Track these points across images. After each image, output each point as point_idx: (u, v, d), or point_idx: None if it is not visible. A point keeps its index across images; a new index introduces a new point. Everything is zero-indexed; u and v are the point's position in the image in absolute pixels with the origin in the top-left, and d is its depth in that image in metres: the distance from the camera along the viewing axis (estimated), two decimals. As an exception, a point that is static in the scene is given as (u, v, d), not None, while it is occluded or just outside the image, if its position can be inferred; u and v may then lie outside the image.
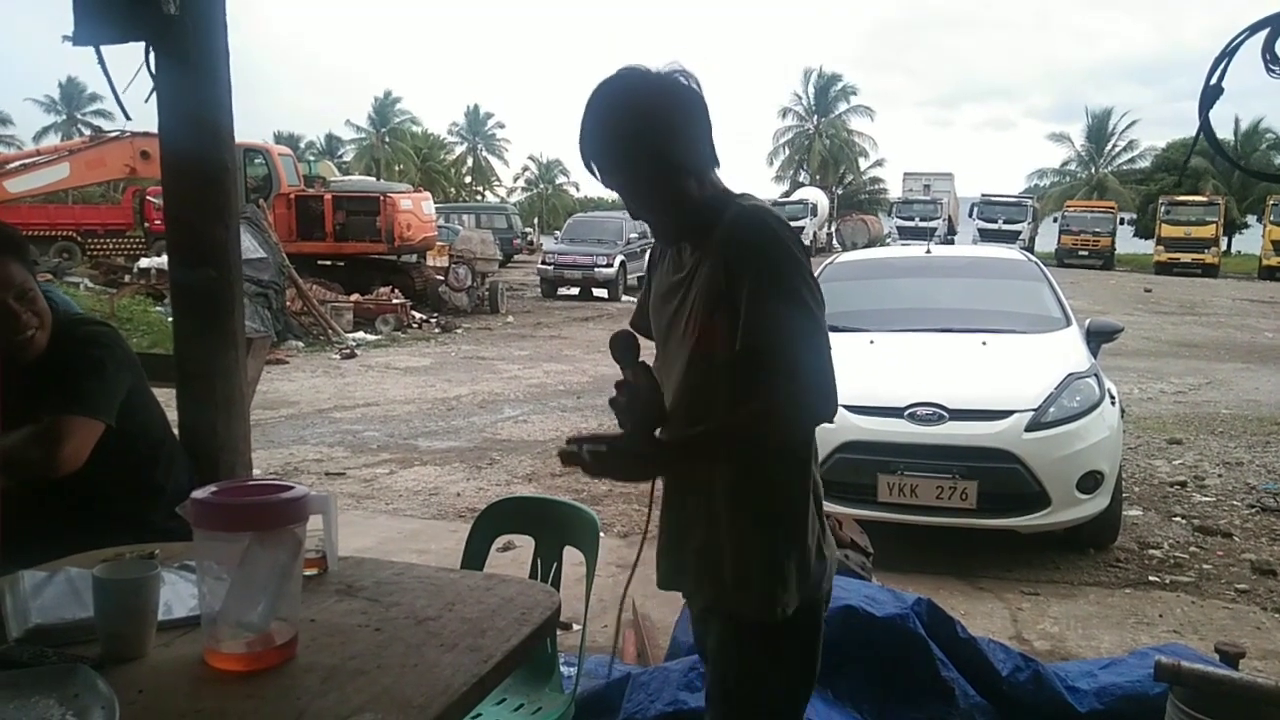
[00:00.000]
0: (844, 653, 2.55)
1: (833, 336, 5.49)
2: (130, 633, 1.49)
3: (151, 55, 2.51)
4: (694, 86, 1.64)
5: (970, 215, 38.33)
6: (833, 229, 46.88)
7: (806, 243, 39.93)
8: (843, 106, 61.51)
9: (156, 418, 2.51)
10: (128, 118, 2.51)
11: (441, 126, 72.80)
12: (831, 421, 1.67)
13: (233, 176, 2.70)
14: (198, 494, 1.47)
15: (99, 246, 25.95)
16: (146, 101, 2.46)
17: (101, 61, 2.44)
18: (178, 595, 1.68)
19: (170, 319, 11.00)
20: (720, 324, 1.63)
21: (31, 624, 1.54)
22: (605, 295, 20.82)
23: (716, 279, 1.63)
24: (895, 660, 2.55)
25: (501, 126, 72.79)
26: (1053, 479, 4.60)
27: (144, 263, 17.98)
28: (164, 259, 14.24)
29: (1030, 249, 34.64)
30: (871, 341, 5.48)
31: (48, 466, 2.14)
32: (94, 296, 15.13)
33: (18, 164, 18.21)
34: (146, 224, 22.97)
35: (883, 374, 5.10)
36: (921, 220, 38.01)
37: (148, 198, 21.74)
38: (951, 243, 32.26)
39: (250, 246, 13.22)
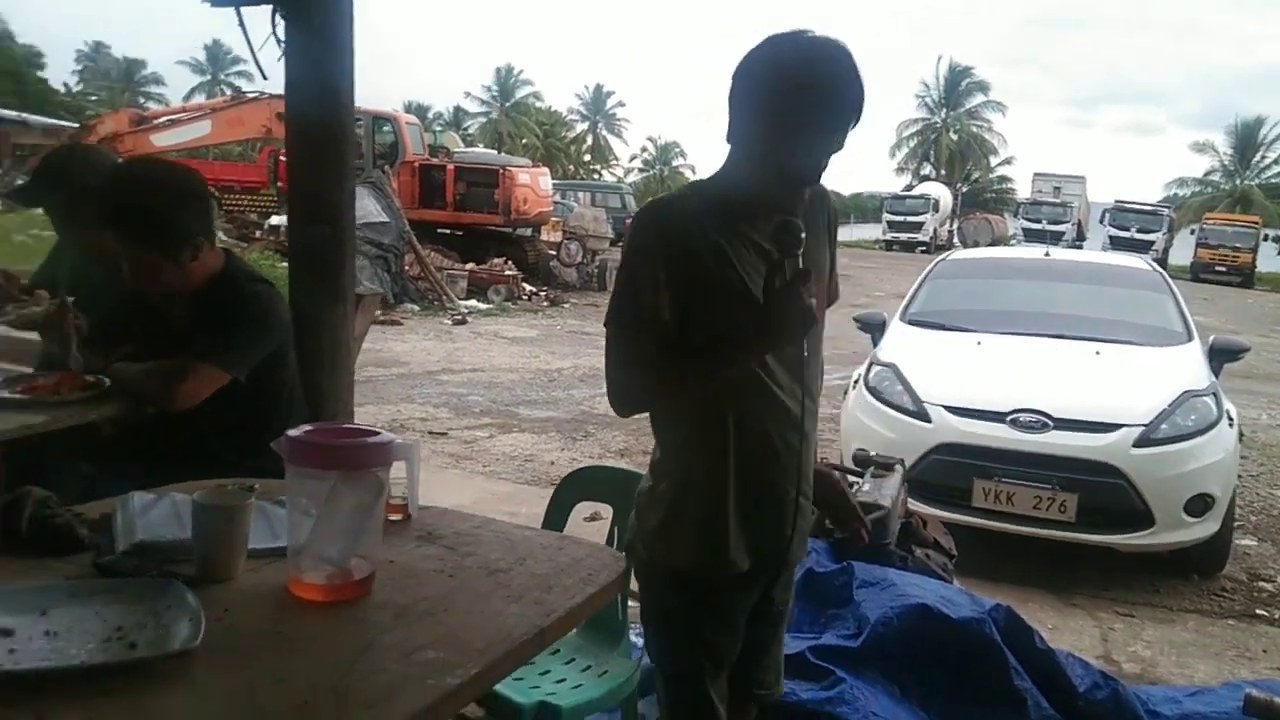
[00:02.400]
0: (916, 651, 2.52)
1: (938, 335, 5.39)
2: (222, 556, 1.59)
3: (279, 19, 2.61)
4: None
5: (1101, 222, 36.73)
6: (955, 226, 45.68)
7: (926, 239, 38.41)
8: (973, 101, 59.74)
9: (288, 384, 2.60)
10: (264, 77, 2.64)
11: (564, 103, 73.43)
12: None
13: (350, 139, 2.81)
14: (292, 432, 1.56)
15: (234, 203, 27.06)
16: (279, 60, 2.57)
17: (241, 23, 2.57)
18: (270, 527, 1.77)
19: (293, 274, 11.45)
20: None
21: (136, 539, 1.66)
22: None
23: (825, 243, 1.82)
24: (967, 664, 2.51)
25: (622, 105, 73.14)
26: (1159, 498, 4.42)
27: (274, 220, 18.78)
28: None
29: (1163, 261, 33.01)
30: (979, 342, 5.36)
31: (163, 400, 2.29)
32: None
33: (164, 119, 19.20)
34: (280, 183, 23.95)
35: (987, 376, 4.99)
36: (1049, 223, 36.66)
37: (281, 158, 22.66)
38: (1079, 249, 31.06)
39: (374, 210, 13.70)
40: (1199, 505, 4.48)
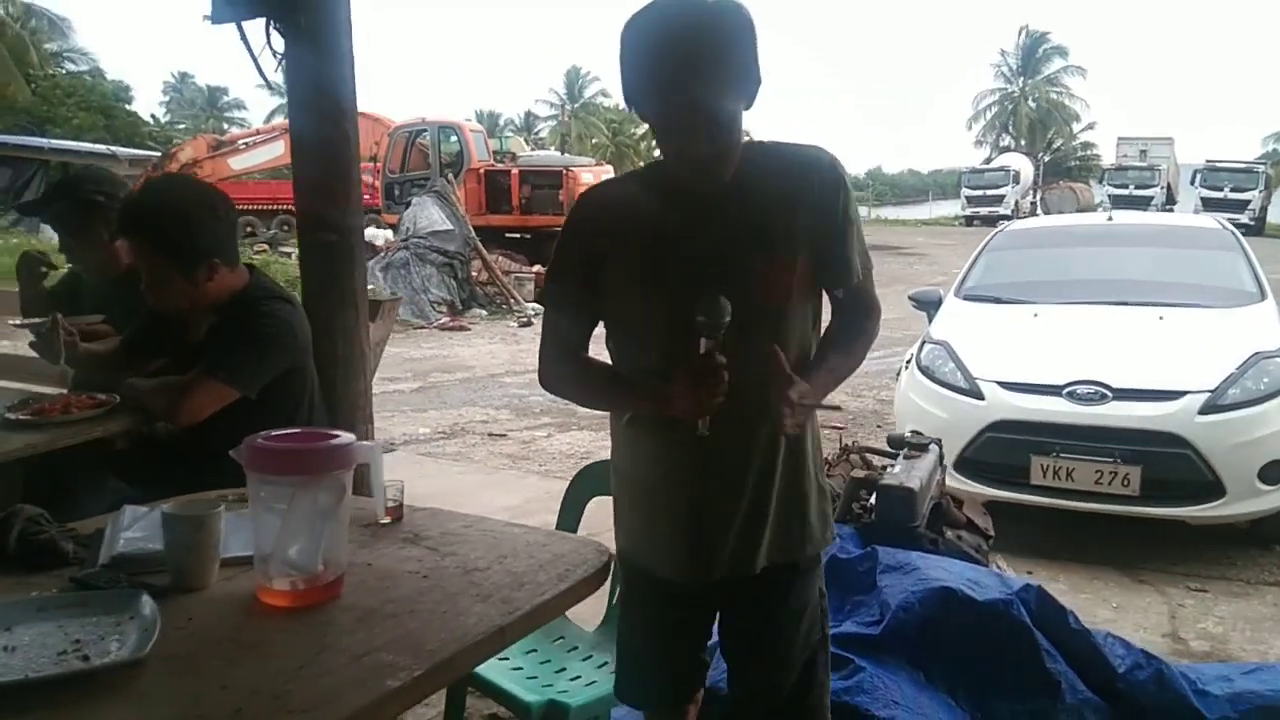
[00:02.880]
0: (940, 636, 2.43)
1: (992, 309, 5.22)
2: (193, 565, 1.61)
3: (276, 30, 2.64)
4: None
5: (1193, 183, 35.16)
6: (1038, 197, 44.32)
7: (1008, 212, 37.26)
8: (1052, 66, 57.85)
9: (307, 398, 2.60)
10: (270, 88, 2.68)
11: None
12: None
13: (354, 146, 2.83)
14: (251, 439, 1.57)
15: (314, 219, 27.81)
16: (276, 71, 2.60)
17: (243, 37, 2.60)
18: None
19: (370, 288, 11.67)
20: (804, 264, 1.64)
21: (116, 552, 1.69)
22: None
23: (799, 218, 1.63)
24: (996, 648, 2.40)
25: (689, 96, 72.71)
26: (1229, 467, 4.20)
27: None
28: (370, 232, 15.23)
29: (1261, 220, 31.56)
30: (1035, 315, 5.18)
31: (167, 414, 2.34)
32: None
33: (240, 143, 19.85)
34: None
35: (1042, 349, 4.82)
36: (1136, 188, 35.24)
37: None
38: (1170, 212, 29.82)
39: (439, 219, 13.92)
40: (1275, 472, 4.24)
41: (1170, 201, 36.22)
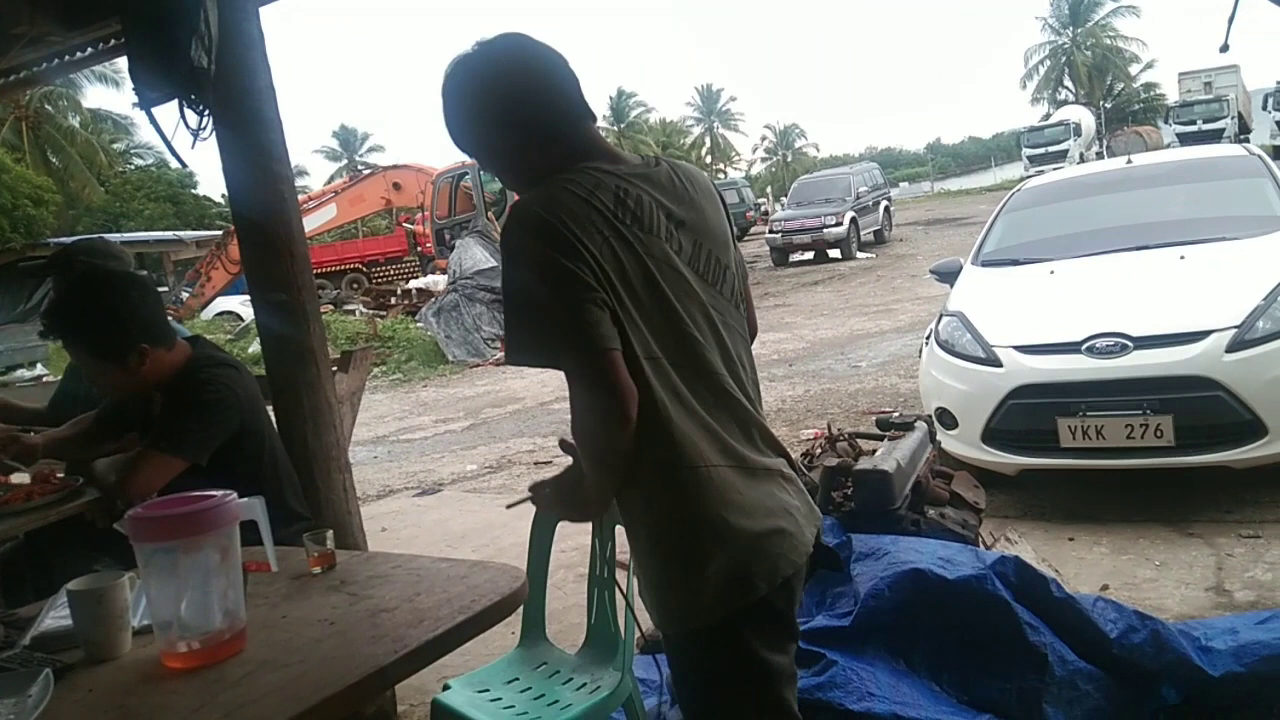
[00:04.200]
0: (917, 620, 2.35)
1: (1009, 272, 5.02)
2: (101, 637, 1.65)
3: (199, 106, 2.71)
4: (526, 47, 1.63)
5: (1264, 108, 33.57)
6: (1104, 146, 42.84)
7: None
8: (1102, 11, 56.06)
9: (266, 455, 2.62)
10: (182, 165, 2.76)
11: (676, 112, 73.77)
12: (629, 418, 1.52)
13: (291, 207, 2.89)
14: (131, 511, 1.61)
15: (381, 274, 28.45)
16: (192, 148, 2.67)
17: (152, 120, 2.68)
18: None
19: (428, 334, 11.87)
20: None
21: (39, 631, 1.75)
22: (839, 255, 20.12)
23: None
24: (975, 626, 2.31)
25: (734, 100, 72.82)
26: (1268, 403, 3.96)
27: (410, 285, 19.60)
28: (428, 279, 15.53)
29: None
30: (1051, 271, 5.00)
31: (119, 491, 2.40)
32: (365, 320, 16.71)
33: (294, 211, 20.44)
34: (419, 248, 24.94)
35: (1057, 306, 4.64)
36: (1204, 122, 33.83)
37: (403, 224, 23.67)
38: (1246, 142, 28.48)
39: (482, 258, 14.12)
40: (1322, 402, 3.99)
41: (1244, 131, 34.65)
